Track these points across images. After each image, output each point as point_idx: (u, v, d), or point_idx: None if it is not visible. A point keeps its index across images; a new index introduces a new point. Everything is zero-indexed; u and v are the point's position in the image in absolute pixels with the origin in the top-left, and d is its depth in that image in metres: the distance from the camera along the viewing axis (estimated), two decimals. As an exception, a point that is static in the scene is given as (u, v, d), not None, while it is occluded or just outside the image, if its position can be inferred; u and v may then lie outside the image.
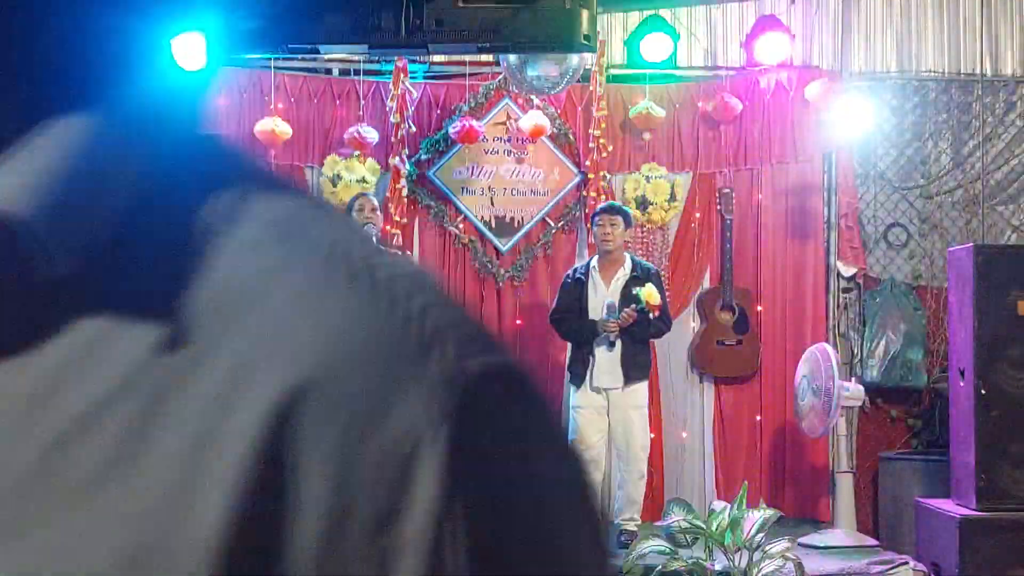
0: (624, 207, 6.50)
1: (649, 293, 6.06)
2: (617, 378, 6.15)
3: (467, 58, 7.31)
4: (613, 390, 6.16)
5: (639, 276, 6.24)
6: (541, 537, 0.44)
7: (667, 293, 7.36)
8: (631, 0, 7.30)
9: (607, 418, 6.21)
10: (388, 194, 7.22)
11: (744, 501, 5.54)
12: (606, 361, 6.15)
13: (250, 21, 4.52)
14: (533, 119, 7.17)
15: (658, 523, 5.73)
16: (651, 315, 6.11)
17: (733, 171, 7.47)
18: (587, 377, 6.16)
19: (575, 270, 6.46)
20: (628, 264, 6.29)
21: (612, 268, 6.27)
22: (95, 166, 0.43)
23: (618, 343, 6.14)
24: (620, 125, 7.39)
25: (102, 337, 0.43)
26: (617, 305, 6.13)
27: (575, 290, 6.26)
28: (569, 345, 6.40)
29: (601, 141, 7.26)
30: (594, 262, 6.32)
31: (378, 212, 6.14)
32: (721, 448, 7.41)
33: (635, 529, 6.14)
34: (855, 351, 7.44)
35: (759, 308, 7.41)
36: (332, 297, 0.44)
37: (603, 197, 7.20)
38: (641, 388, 6.24)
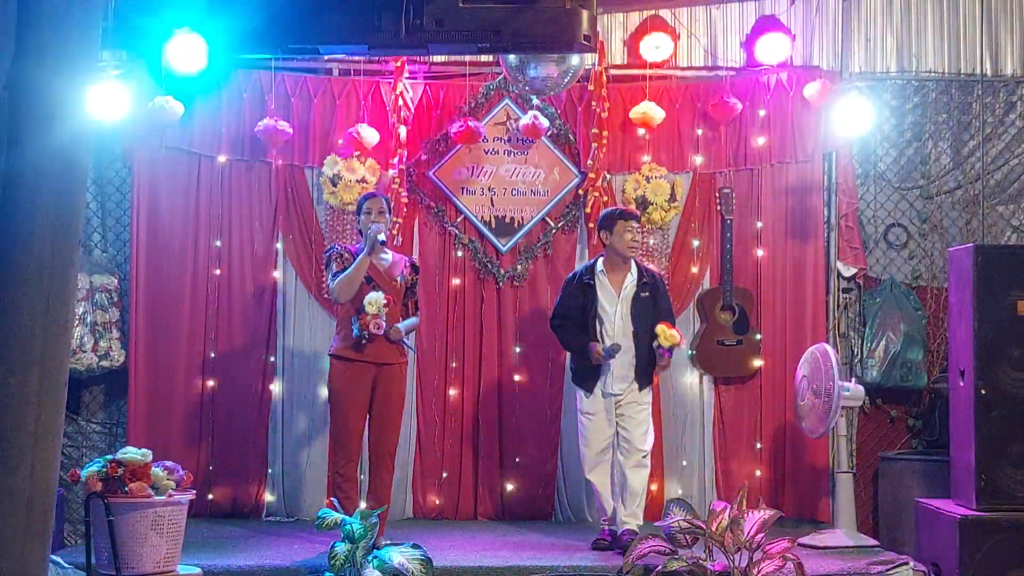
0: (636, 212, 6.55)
1: (664, 336, 6.11)
2: (631, 384, 6.20)
3: (467, 58, 7.32)
4: (625, 394, 6.20)
5: (647, 282, 6.24)
6: None
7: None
8: (631, 0, 7.30)
9: (615, 422, 6.22)
10: (388, 194, 7.23)
11: (744, 501, 5.54)
12: (620, 367, 6.17)
13: (250, 21, 4.52)
14: (533, 119, 7.17)
15: (658, 523, 5.72)
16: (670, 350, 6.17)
17: (733, 171, 7.47)
18: (598, 385, 6.18)
19: (578, 274, 6.35)
20: (635, 270, 6.27)
21: (621, 273, 6.25)
22: None
23: (632, 351, 6.16)
24: (620, 125, 7.39)
25: None
26: (618, 338, 6.15)
27: (580, 295, 6.22)
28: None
29: (604, 133, 7.24)
30: (600, 265, 6.27)
31: (386, 215, 6.12)
32: (721, 448, 7.40)
33: (637, 529, 6.10)
34: (855, 351, 7.44)
35: (759, 308, 7.41)
36: None
37: (604, 198, 7.21)
38: (648, 390, 6.28)
